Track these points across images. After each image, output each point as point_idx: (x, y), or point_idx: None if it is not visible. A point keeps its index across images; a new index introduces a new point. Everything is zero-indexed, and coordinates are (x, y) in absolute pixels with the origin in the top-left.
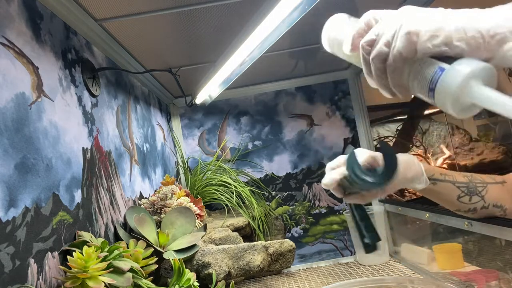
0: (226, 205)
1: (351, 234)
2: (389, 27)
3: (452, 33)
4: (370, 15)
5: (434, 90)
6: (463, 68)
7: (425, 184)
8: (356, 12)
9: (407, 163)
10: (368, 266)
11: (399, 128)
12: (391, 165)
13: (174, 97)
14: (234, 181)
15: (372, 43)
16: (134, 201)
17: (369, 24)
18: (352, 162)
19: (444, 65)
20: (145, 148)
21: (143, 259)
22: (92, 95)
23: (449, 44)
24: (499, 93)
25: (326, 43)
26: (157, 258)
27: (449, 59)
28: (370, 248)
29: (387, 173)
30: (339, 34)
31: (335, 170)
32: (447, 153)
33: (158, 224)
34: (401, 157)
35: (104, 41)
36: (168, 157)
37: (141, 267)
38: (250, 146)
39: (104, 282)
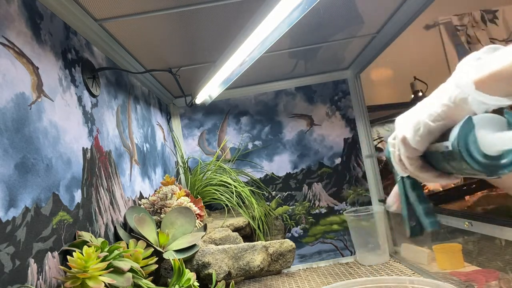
0: (226, 205)
1: (351, 234)
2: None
3: (425, 119)
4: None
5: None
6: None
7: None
8: (356, 12)
9: None
10: (368, 266)
11: None
12: None
13: (174, 97)
14: (234, 181)
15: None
16: (134, 201)
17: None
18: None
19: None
20: (145, 148)
21: (143, 259)
22: (92, 95)
23: (431, 131)
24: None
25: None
26: (157, 258)
27: (446, 135)
28: (417, 232)
29: None
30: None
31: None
32: None
33: (158, 224)
34: None
35: (104, 41)
36: (168, 157)
37: (141, 267)
38: (250, 146)
39: (104, 282)
